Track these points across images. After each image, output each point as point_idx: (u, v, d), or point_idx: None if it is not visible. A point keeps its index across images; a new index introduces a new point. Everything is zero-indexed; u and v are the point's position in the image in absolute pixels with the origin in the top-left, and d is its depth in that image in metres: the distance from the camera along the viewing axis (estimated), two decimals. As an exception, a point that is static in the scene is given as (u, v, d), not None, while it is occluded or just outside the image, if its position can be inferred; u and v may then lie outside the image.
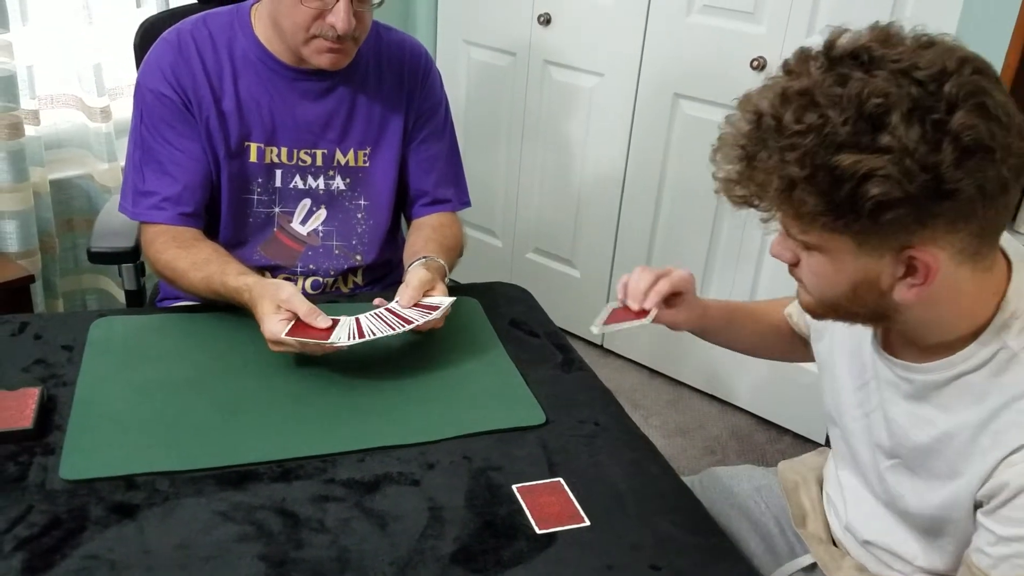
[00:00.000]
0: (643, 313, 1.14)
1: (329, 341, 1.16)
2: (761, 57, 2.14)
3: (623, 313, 1.16)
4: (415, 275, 1.28)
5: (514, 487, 1.03)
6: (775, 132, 0.79)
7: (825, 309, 0.91)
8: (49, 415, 1.09)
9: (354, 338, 1.17)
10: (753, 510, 1.24)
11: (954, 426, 0.89)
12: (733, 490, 1.26)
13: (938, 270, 0.80)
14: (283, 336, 1.15)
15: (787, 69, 0.83)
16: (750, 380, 2.51)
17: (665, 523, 1.00)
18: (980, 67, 0.78)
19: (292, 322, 1.18)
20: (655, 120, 2.43)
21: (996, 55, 1.58)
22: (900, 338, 0.95)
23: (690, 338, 1.29)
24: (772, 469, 1.29)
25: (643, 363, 2.74)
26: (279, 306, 1.19)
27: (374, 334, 1.18)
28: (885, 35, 0.80)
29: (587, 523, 0.99)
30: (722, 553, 0.98)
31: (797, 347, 1.25)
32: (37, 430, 1.05)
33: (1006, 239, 0.89)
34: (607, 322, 1.16)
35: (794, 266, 0.90)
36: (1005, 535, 0.84)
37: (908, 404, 0.95)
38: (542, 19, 2.56)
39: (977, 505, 0.88)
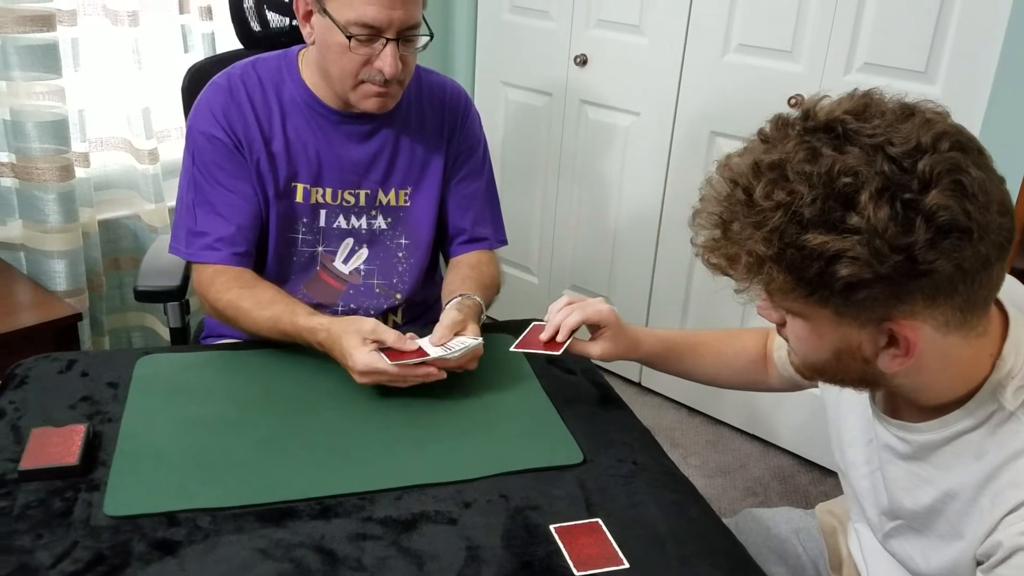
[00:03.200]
0: (555, 346, 1.19)
1: (430, 356, 1.19)
2: (799, 95, 2.14)
3: (537, 339, 1.22)
4: (447, 315, 1.30)
5: (552, 527, 1.02)
6: (746, 205, 0.78)
7: (812, 372, 0.89)
8: (94, 452, 1.11)
9: (449, 350, 1.21)
10: (791, 553, 1.21)
11: (955, 485, 0.87)
12: (771, 532, 1.24)
13: (919, 343, 0.78)
14: (387, 367, 1.18)
15: (763, 137, 0.81)
16: (792, 420, 2.47)
17: (706, 566, 0.99)
18: (959, 142, 0.75)
19: (383, 352, 1.20)
20: (691, 158, 2.43)
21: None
22: (898, 397, 0.92)
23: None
24: (811, 511, 1.27)
25: (682, 401, 2.71)
26: (366, 338, 1.20)
27: (462, 343, 1.22)
28: (863, 105, 0.78)
29: (626, 565, 0.97)
30: (764, 597, 0.97)
31: (771, 380, 1.24)
32: (83, 466, 1.07)
33: (1005, 286, 0.86)
34: (519, 346, 1.22)
35: (781, 326, 0.88)
36: None
37: (907, 464, 0.92)
38: (578, 60, 2.59)
39: (978, 563, 0.86)
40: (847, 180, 0.73)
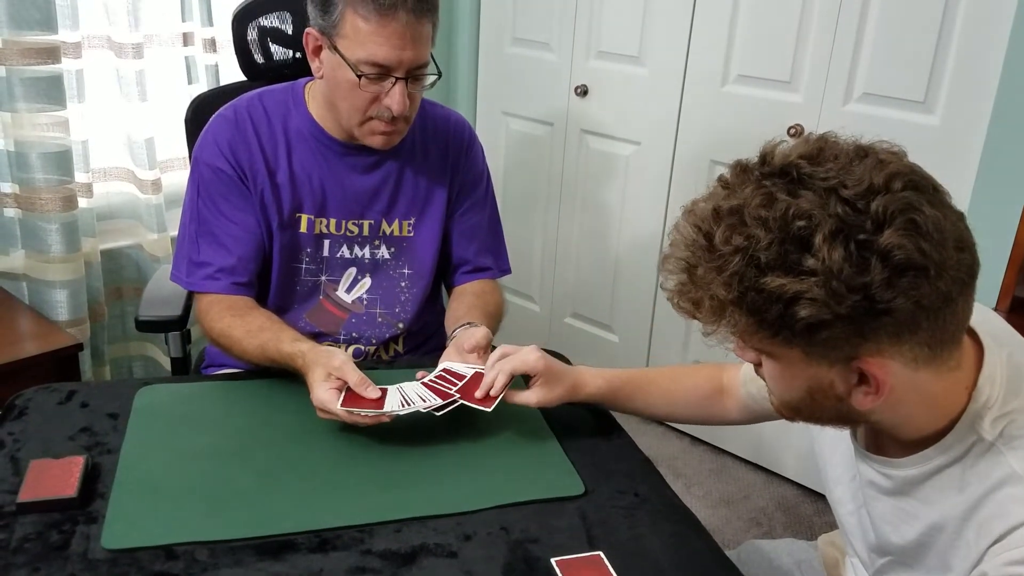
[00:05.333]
0: (488, 402, 1.20)
1: (381, 411, 1.17)
2: (798, 125, 2.15)
3: (472, 394, 1.22)
4: (471, 337, 1.30)
5: (553, 560, 1.01)
6: (707, 251, 0.79)
7: (790, 412, 0.89)
8: (93, 483, 1.10)
9: (404, 406, 1.18)
10: (793, 586, 1.20)
11: (940, 518, 0.86)
12: (773, 564, 1.23)
13: (889, 380, 0.79)
14: (336, 408, 1.16)
15: (723, 183, 0.82)
16: (796, 449, 2.45)
17: (708, 599, 0.98)
18: (912, 181, 0.76)
19: (343, 392, 1.19)
20: (692, 187, 2.44)
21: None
22: (880, 433, 0.92)
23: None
24: (814, 543, 1.26)
25: (684, 430, 2.70)
26: (330, 374, 1.20)
27: (424, 400, 1.19)
28: (817, 149, 0.79)
29: (628, 599, 0.97)
30: (768, 632, 0.95)
31: (729, 414, 1.24)
32: (81, 499, 1.06)
33: (979, 317, 0.86)
34: (462, 397, 1.22)
35: (758, 366, 0.88)
36: None
37: (891, 500, 0.92)
38: (579, 90, 2.61)
39: None
40: (801, 223, 0.74)
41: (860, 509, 0.99)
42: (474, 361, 1.29)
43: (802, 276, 0.74)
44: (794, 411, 0.89)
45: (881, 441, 0.93)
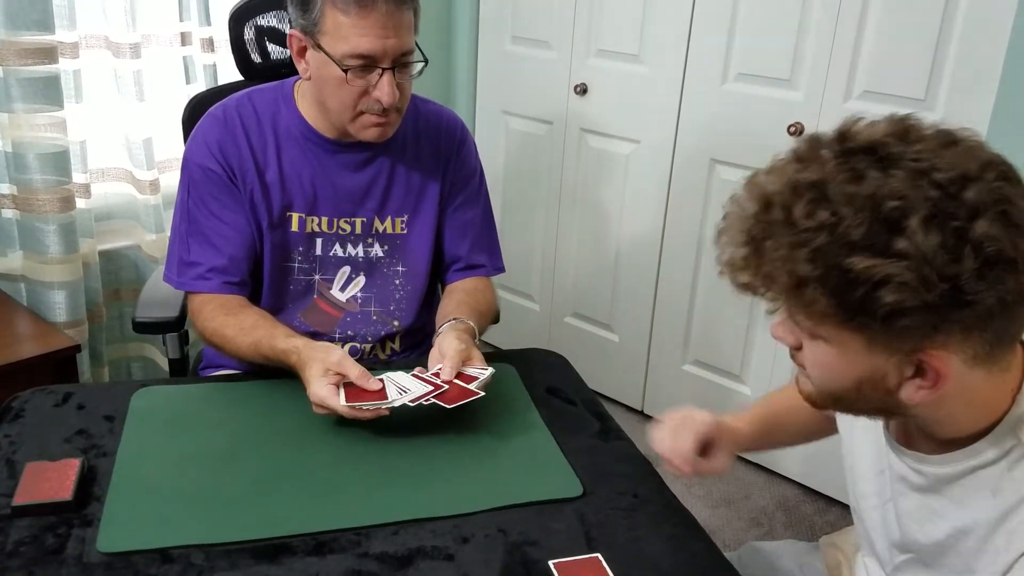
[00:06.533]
0: (450, 400, 1.19)
1: (381, 403, 1.17)
2: (799, 123, 2.14)
3: (448, 394, 1.20)
4: (450, 345, 1.28)
5: (551, 563, 1.01)
6: (784, 224, 0.76)
7: (826, 400, 0.86)
8: (89, 486, 1.09)
9: (403, 394, 1.18)
10: (795, 589, 1.19)
11: (969, 521, 0.85)
12: (774, 566, 1.22)
13: (948, 375, 0.77)
14: (336, 404, 1.16)
15: (797, 156, 0.79)
16: (797, 449, 2.43)
17: (707, 602, 0.97)
18: (1004, 172, 0.74)
19: (341, 386, 1.19)
20: (692, 186, 2.43)
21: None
22: (913, 428, 0.90)
23: (731, 404, 1.27)
24: (815, 544, 1.25)
25: (685, 430, 2.68)
26: (328, 369, 1.19)
27: (418, 389, 1.19)
28: (903, 129, 0.77)
29: (626, 601, 0.96)
30: (767, 634, 0.95)
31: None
32: (76, 502, 1.05)
33: None
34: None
35: (796, 350, 0.85)
36: None
37: (921, 497, 0.90)
38: (578, 89, 2.60)
39: None
40: (894, 204, 0.71)
41: (886, 504, 0.97)
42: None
43: (892, 259, 0.71)
44: (834, 401, 0.86)
45: (912, 436, 0.91)
